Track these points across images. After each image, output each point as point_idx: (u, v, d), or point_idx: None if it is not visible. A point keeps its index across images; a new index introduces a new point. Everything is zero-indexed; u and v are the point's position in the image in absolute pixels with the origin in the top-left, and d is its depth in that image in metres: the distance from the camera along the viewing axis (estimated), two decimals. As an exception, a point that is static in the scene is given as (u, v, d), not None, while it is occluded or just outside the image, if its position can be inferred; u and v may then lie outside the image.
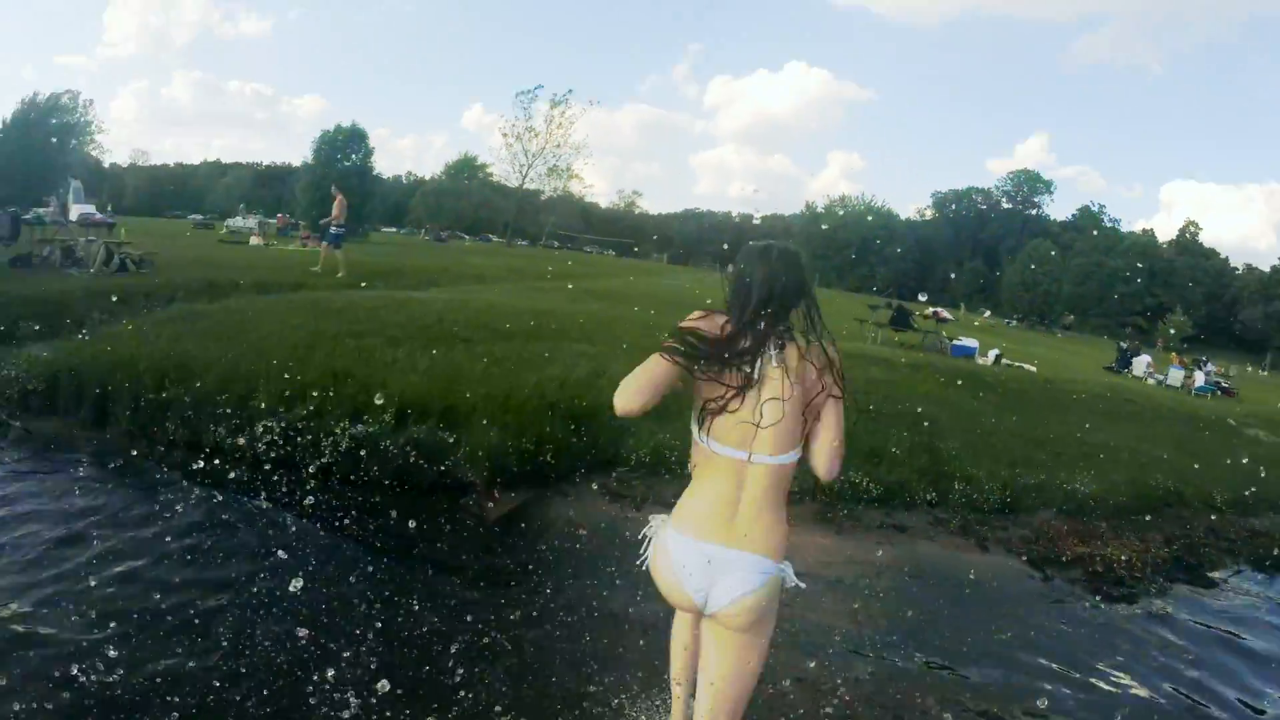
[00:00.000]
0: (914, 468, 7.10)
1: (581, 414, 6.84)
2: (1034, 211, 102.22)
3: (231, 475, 5.84)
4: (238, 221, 43.89)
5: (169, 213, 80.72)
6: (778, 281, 2.26)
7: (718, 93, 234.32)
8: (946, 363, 15.52)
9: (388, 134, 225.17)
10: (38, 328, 9.78)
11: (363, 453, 5.93)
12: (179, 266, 16.56)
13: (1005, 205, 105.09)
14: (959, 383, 11.72)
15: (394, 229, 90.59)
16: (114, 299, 12.12)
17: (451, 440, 6.02)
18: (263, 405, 6.30)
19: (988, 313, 62.31)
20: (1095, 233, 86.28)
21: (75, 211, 16.50)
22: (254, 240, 27.53)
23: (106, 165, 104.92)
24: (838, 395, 2.28)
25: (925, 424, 8.24)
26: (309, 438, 6.03)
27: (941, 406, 9.81)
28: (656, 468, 6.48)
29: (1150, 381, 24.50)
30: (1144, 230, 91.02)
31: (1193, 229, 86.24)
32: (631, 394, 2.26)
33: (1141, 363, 26.76)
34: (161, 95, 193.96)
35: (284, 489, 5.72)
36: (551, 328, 10.82)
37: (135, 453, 6.28)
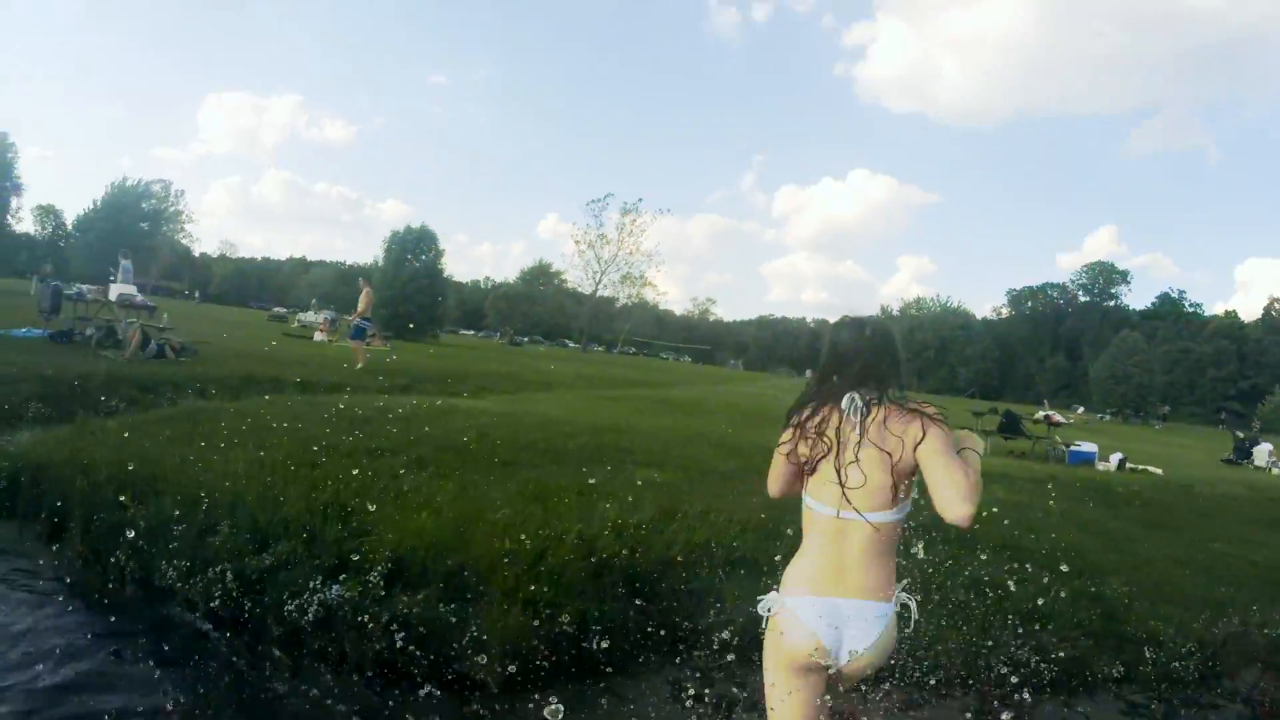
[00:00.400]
0: (1083, 628, 5.25)
1: (645, 574, 5.08)
2: (1112, 303, 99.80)
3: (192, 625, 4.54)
4: (309, 316, 43.93)
5: (253, 304, 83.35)
6: (864, 349, 2.39)
7: (786, 201, 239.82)
8: (1068, 473, 13.58)
9: (466, 240, 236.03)
10: (46, 409, 9.17)
11: (334, 626, 4.29)
12: (226, 358, 15.79)
13: (1082, 299, 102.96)
14: (1090, 498, 10.21)
15: (471, 332, 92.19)
16: (135, 388, 11.14)
17: (455, 619, 4.29)
18: (220, 543, 4.77)
19: (1080, 409, 59.30)
20: (1177, 320, 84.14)
21: (115, 291, 15.68)
22: (318, 335, 26.89)
23: (197, 254, 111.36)
24: (936, 447, 2.23)
25: (1073, 558, 6.36)
26: (270, 596, 4.44)
27: (1084, 531, 8.01)
28: (751, 650, 4.46)
29: (1275, 472, 22.37)
30: (1226, 313, 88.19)
31: (1278, 306, 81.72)
32: (772, 487, 2.59)
33: (1263, 452, 24.21)
34: (252, 192, 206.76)
35: (231, 657, 4.28)
36: (616, 447, 9.21)
37: (73, 580, 5.05)
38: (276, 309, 47.94)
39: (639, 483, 7.08)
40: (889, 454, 2.26)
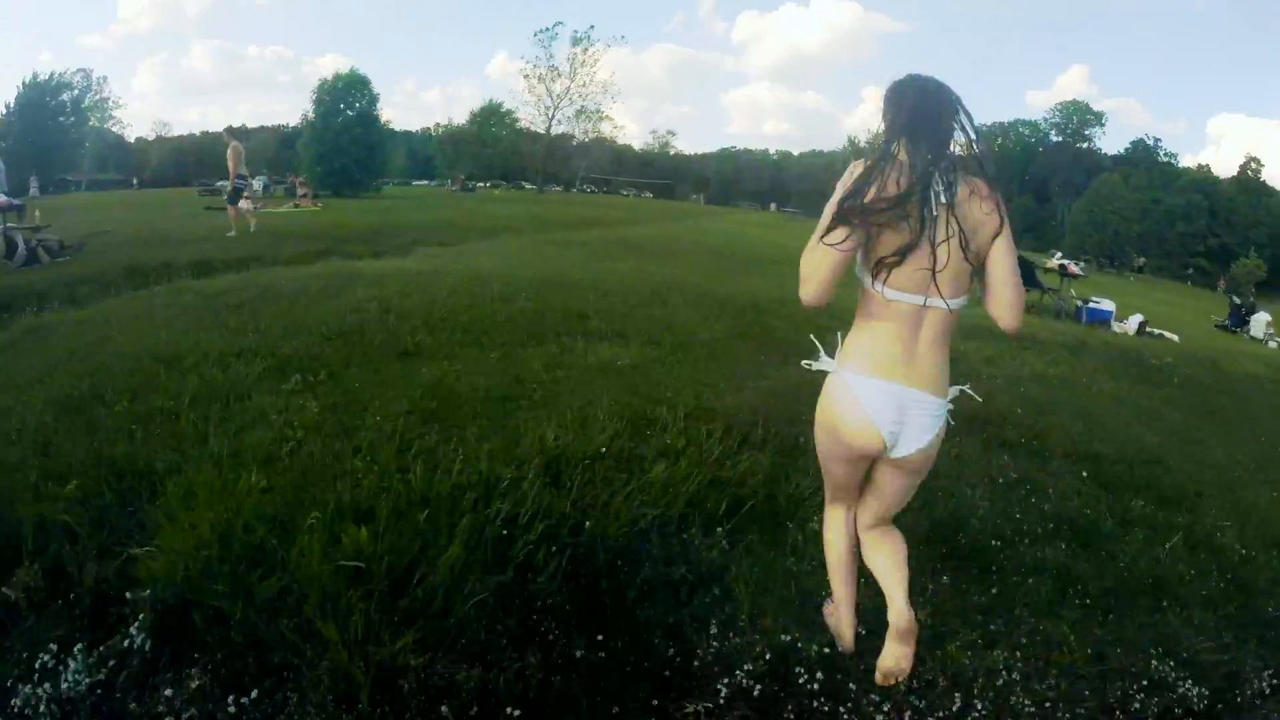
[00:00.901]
0: (1218, 609, 3.35)
1: (597, 562, 3.05)
2: (1085, 145, 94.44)
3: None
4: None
5: (196, 182, 79.72)
6: (944, 110, 2.14)
7: (746, 28, 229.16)
8: (1092, 336, 11.49)
9: (414, 87, 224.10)
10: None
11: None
12: (119, 249, 13.65)
13: (1054, 138, 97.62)
14: (1130, 373, 8.59)
15: (425, 181, 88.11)
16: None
17: (293, 621, 2.55)
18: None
19: (1058, 255, 54.92)
20: (1150, 169, 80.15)
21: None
22: (243, 205, 24.36)
23: (133, 140, 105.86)
24: (1008, 245, 2.16)
25: (1160, 477, 4.80)
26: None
27: (1146, 426, 6.31)
28: (782, 702, 2.58)
29: (1273, 345, 19.80)
30: (1199, 166, 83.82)
31: (1255, 165, 78.41)
32: (817, 293, 2.15)
33: (1261, 322, 21.88)
34: (181, 66, 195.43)
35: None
36: (564, 311, 7.28)
37: None
38: (206, 184, 43.77)
39: (596, 368, 5.33)
40: (973, 238, 2.11)
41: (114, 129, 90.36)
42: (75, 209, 26.51)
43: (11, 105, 66.05)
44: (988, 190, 2.14)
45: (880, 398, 2.16)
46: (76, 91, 72.12)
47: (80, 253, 13.30)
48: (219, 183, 39.88)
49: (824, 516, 2.62)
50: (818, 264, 2.13)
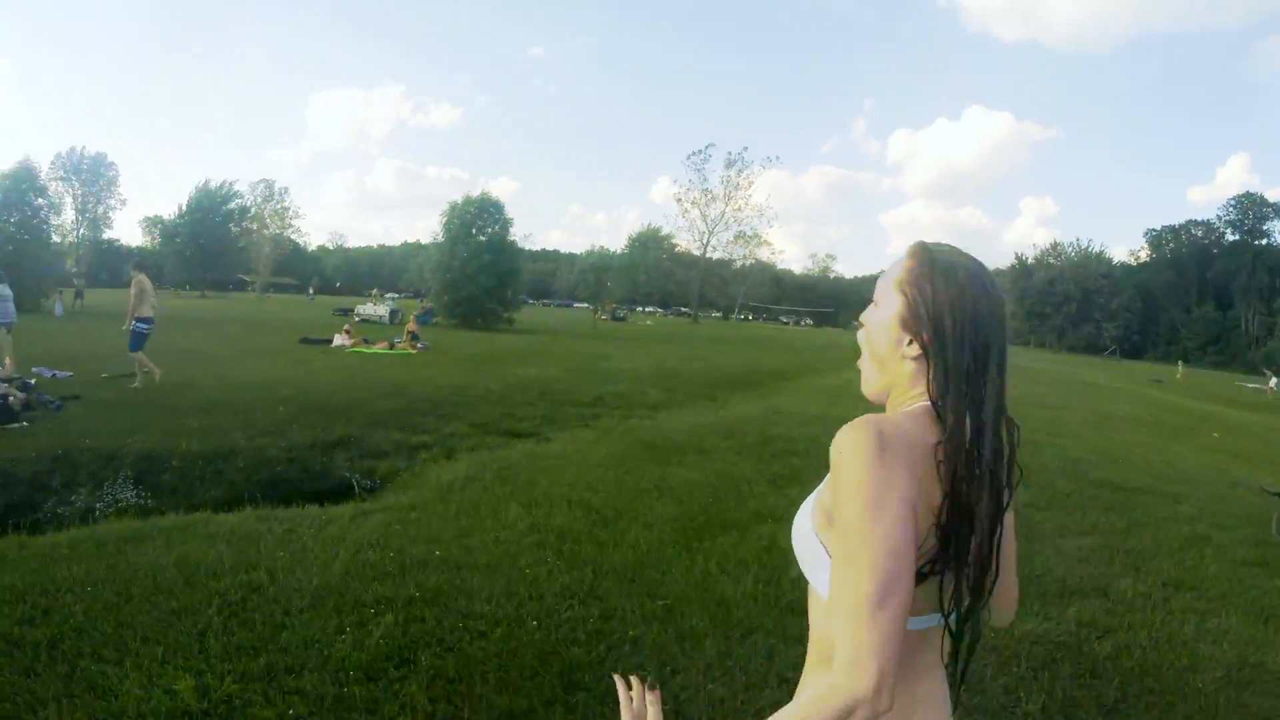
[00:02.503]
0: None
1: None
2: (1264, 241, 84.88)
3: None
4: (368, 307, 39.48)
5: (365, 291, 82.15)
6: (1004, 322, 1.28)
7: (900, 147, 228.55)
8: None
9: (580, 211, 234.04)
10: None
11: None
12: (118, 410, 10.76)
13: (1230, 237, 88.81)
14: None
15: (584, 305, 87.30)
16: None
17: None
18: None
19: (1274, 379, 43.75)
20: None
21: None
22: (337, 340, 21.89)
23: (313, 248, 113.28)
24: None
25: None
26: None
27: None
28: None
29: None
30: None
31: None
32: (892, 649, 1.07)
33: None
34: (366, 183, 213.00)
35: None
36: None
37: None
38: (342, 310, 41.75)
39: None
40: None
41: (293, 237, 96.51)
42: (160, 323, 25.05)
43: (183, 208, 72.04)
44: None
45: None
46: (245, 200, 77.80)
47: (50, 412, 10.53)
48: (364, 308, 39.04)
49: None
50: (894, 579, 1.11)
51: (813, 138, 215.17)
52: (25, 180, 38.02)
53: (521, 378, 15.94)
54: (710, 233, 71.77)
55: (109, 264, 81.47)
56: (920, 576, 1.16)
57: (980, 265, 1.31)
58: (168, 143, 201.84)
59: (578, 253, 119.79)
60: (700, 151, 70.75)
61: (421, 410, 11.47)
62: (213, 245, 70.28)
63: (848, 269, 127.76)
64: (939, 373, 1.24)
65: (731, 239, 73.24)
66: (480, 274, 37.50)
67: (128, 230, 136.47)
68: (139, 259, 14.15)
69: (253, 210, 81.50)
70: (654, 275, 79.89)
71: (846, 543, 1.12)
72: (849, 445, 1.15)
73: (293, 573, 4.83)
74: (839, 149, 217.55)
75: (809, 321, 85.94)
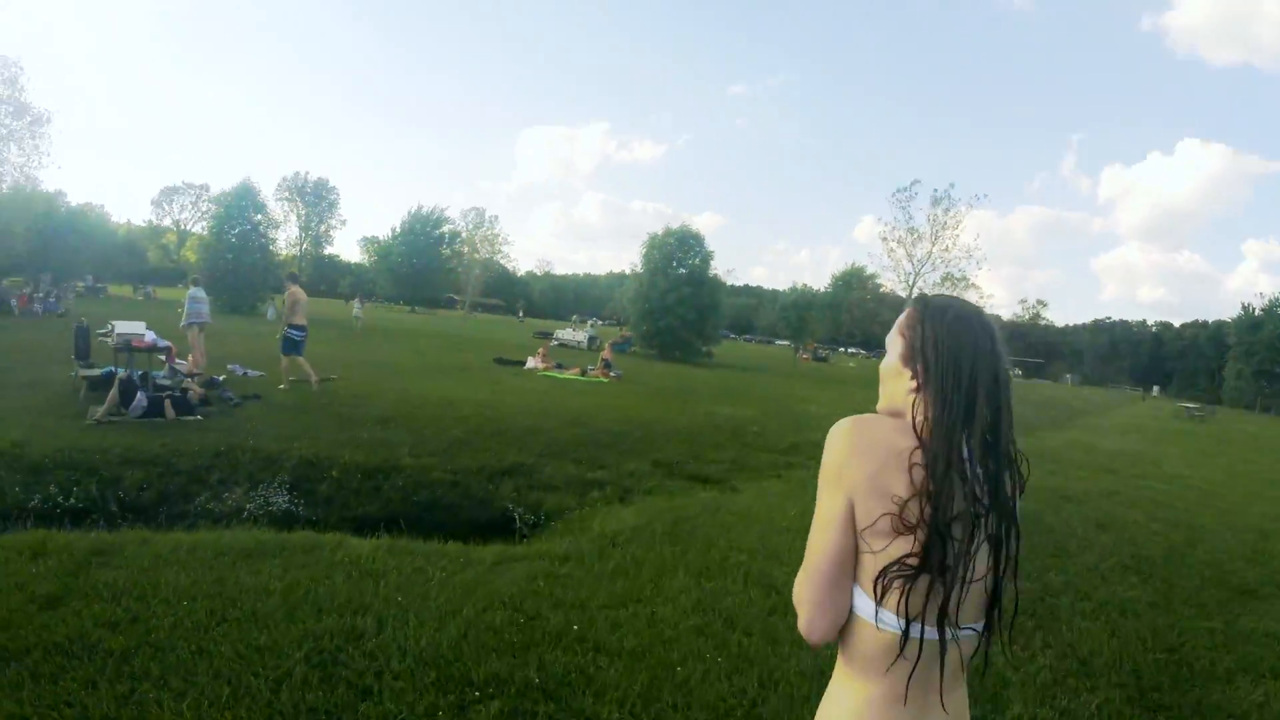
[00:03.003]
0: None
1: None
2: None
3: None
4: (568, 332, 40.08)
5: (568, 316, 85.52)
6: (1003, 359, 1.57)
7: (1112, 184, 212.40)
8: None
9: (784, 248, 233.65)
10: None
11: None
12: (302, 411, 11.00)
13: None
14: None
15: (785, 342, 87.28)
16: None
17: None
18: None
19: None
20: None
21: (119, 329, 11.33)
22: (530, 363, 21.98)
23: (521, 273, 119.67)
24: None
25: None
26: None
27: None
28: None
29: None
30: None
31: None
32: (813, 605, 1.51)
33: None
34: (572, 215, 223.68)
35: None
36: None
37: None
38: (543, 333, 42.81)
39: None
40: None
41: (501, 262, 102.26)
42: (367, 337, 26.40)
43: (396, 230, 79.09)
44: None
45: None
46: (456, 225, 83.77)
47: (228, 409, 10.74)
48: (564, 333, 39.89)
49: None
50: (819, 598, 1.52)
51: (1018, 176, 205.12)
52: (246, 197, 42.21)
53: (713, 416, 15.13)
54: (917, 274, 68.51)
55: (327, 276, 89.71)
56: (908, 577, 1.38)
57: (971, 309, 1.58)
58: (386, 171, 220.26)
59: (780, 289, 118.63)
60: (906, 188, 67.43)
61: (602, 443, 10.89)
62: (423, 265, 75.68)
63: (1057, 315, 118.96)
64: (930, 398, 1.47)
65: (938, 281, 69.73)
66: (679, 306, 37.72)
67: (346, 248, 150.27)
68: (292, 272, 14.91)
69: (463, 235, 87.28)
70: (858, 315, 77.28)
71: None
72: (832, 436, 1.50)
73: (404, 624, 4.18)
74: (1046, 187, 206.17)
75: (1018, 372, 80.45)
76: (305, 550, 5.47)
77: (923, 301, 1.62)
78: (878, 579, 1.40)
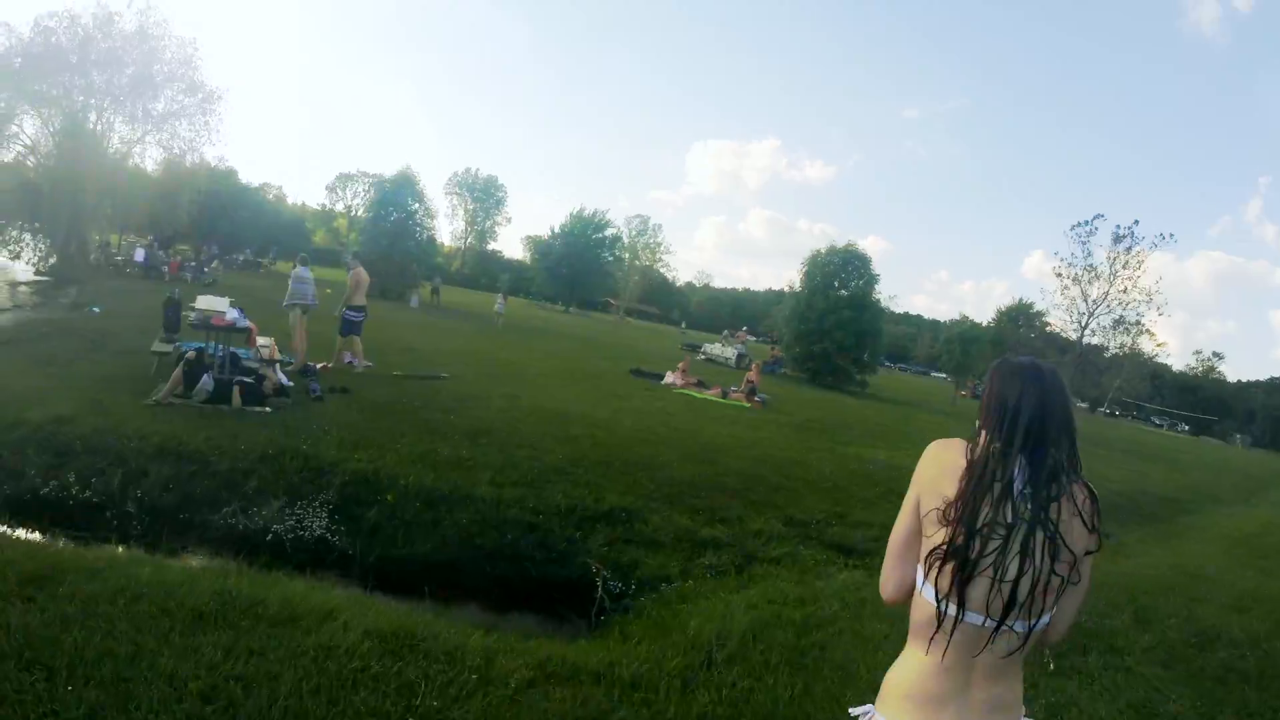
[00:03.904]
0: None
1: None
2: None
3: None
4: (715, 347, 38.12)
5: (722, 331, 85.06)
6: (1052, 404, 1.88)
7: None
8: None
9: (947, 278, 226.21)
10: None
11: None
12: (384, 412, 9.72)
13: None
14: None
15: (943, 376, 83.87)
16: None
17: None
18: None
19: None
20: None
21: (203, 302, 10.28)
22: (669, 378, 20.18)
23: (681, 284, 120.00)
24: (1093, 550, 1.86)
25: None
26: None
27: None
28: None
29: None
30: None
31: None
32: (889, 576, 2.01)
33: None
34: (738, 229, 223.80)
35: None
36: None
37: None
38: (692, 345, 40.74)
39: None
40: (1073, 544, 1.82)
41: (662, 270, 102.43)
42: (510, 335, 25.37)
43: (557, 229, 79.26)
44: (1091, 504, 1.89)
45: None
46: (619, 230, 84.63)
47: (306, 402, 9.55)
48: (713, 347, 38.05)
49: None
50: (894, 570, 2.02)
51: (1200, 219, 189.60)
52: (405, 185, 42.74)
53: (865, 462, 12.68)
54: (1091, 314, 63.41)
55: (489, 270, 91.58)
56: (951, 562, 1.76)
57: (1027, 366, 1.95)
58: (555, 173, 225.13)
59: (940, 319, 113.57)
60: (1087, 223, 62.18)
61: (729, 487, 8.95)
62: (582, 266, 75.15)
63: (1230, 371, 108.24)
64: (984, 431, 1.88)
65: (1110, 324, 64.43)
66: (837, 329, 34.71)
67: (510, 245, 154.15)
68: (356, 251, 13.66)
69: (626, 241, 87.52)
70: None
71: None
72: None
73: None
74: (1228, 232, 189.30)
75: (1185, 428, 73.10)
76: (273, 623, 3.92)
77: (998, 360, 2.05)
78: (926, 558, 1.82)
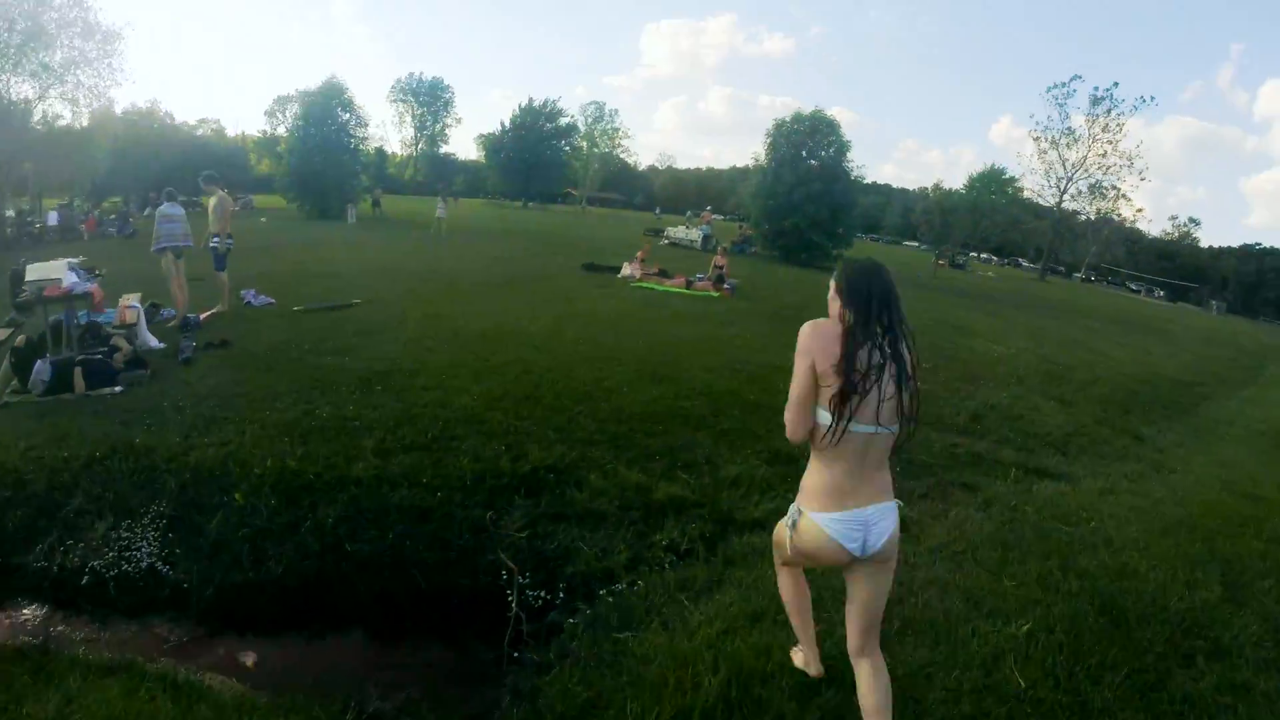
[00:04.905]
0: None
1: None
2: None
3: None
4: (679, 231, 35.77)
5: (687, 211, 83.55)
6: (891, 289, 2.81)
7: (1271, 101, 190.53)
8: None
9: (915, 146, 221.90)
10: None
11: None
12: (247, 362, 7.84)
13: None
14: None
15: (915, 244, 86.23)
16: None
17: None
18: None
19: None
20: None
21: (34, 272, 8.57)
22: (626, 270, 18.23)
23: (644, 168, 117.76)
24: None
25: None
26: None
27: None
28: None
29: None
30: None
31: None
32: (800, 431, 2.82)
33: None
34: (698, 109, 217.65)
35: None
36: None
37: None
38: (653, 231, 37.96)
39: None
40: (912, 376, 2.82)
41: (622, 156, 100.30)
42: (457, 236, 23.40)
43: (505, 124, 75.63)
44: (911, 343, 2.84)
45: (844, 526, 2.81)
46: (573, 119, 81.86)
47: (174, 368, 7.80)
48: (677, 231, 35.70)
49: (778, 578, 3.40)
50: (801, 406, 2.80)
51: (1171, 84, 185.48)
52: (334, 95, 39.57)
53: None
54: (1069, 179, 60.86)
55: (444, 175, 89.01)
56: (848, 397, 2.64)
57: (871, 264, 2.84)
58: (505, 68, 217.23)
59: (910, 188, 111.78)
60: (1064, 85, 59.45)
61: (694, 413, 7.17)
62: (536, 159, 71.88)
63: (1203, 237, 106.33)
64: (848, 310, 2.73)
65: (1087, 190, 61.90)
66: (808, 203, 32.09)
67: (465, 147, 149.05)
68: (208, 173, 11.37)
69: (583, 130, 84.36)
70: (999, 220, 69.59)
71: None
72: (800, 332, 2.75)
73: None
74: (1199, 98, 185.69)
75: (1160, 294, 71.59)
76: None
77: (843, 265, 2.89)
78: (830, 400, 2.67)
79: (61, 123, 30.77)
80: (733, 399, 7.71)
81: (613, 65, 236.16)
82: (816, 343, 2.69)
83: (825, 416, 2.68)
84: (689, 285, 17.29)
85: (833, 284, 2.80)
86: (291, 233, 26.98)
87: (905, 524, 4.73)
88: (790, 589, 3.31)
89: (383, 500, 5.11)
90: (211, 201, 11.33)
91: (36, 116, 29.66)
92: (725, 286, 17.45)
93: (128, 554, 4.93)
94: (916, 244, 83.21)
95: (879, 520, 2.78)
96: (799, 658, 3.45)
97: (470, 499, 5.19)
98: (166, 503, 5.22)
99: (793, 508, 2.92)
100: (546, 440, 6.08)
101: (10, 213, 29.35)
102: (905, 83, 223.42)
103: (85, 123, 31.21)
